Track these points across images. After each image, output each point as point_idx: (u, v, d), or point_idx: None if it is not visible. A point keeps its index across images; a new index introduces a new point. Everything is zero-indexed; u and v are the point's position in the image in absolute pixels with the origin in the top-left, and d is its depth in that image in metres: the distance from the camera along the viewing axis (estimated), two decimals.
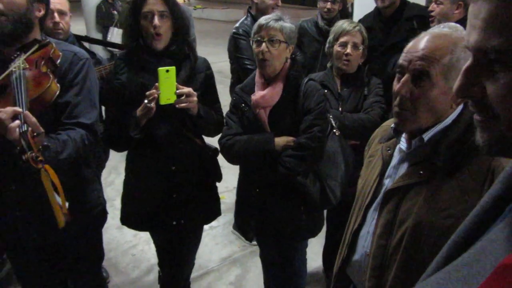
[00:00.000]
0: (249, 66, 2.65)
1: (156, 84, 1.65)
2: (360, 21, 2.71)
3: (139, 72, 1.81)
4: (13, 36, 1.52)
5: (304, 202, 1.95)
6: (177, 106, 1.71)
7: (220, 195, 2.22)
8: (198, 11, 19.41)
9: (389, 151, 1.29)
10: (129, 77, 1.82)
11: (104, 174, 3.92)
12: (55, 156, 1.46)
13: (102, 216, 1.95)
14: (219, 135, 2.02)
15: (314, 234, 2.11)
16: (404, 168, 1.22)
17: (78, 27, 7.51)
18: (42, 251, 1.85)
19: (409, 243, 1.14)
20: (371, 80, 2.37)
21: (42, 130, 1.35)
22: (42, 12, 1.60)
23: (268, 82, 1.91)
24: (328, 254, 2.75)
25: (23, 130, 1.29)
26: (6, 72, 1.41)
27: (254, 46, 1.86)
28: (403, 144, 1.24)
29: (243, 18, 2.87)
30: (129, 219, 2.05)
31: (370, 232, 1.28)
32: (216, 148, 2.05)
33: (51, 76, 1.47)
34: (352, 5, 4.49)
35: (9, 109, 1.31)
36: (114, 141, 1.88)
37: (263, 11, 2.76)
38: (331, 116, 2.05)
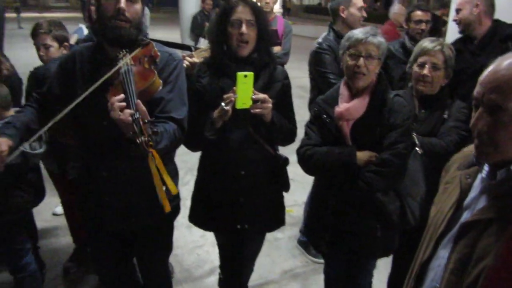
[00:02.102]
0: (332, 81, 2.63)
1: (234, 88, 1.71)
2: (452, 44, 2.57)
3: (220, 77, 1.89)
4: (133, 41, 1.66)
5: (381, 220, 1.90)
6: (252, 111, 1.75)
7: (288, 208, 2.22)
8: None
9: (469, 180, 1.18)
10: (210, 81, 1.91)
11: (181, 174, 4.11)
12: (155, 145, 1.54)
13: (176, 209, 2.02)
14: (291, 145, 2.03)
15: (387, 253, 2.05)
16: (485, 200, 1.11)
17: (174, 36, 8.05)
18: (119, 237, 1.96)
19: (485, 284, 1.03)
20: (454, 103, 2.23)
21: (149, 118, 1.45)
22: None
23: (353, 94, 1.90)
24: (394, 281, 2.60)
25: (136, 117, 1.39)
26: (116, 68, 1.55)
27: (347, 59, 1.87)
28: (486, 173, 1.12)
29: (325, 34, 2.87)
30: (196, 218, 2.12)
31: (442, 265, 1.17)
32: (286, 158, 2.06)
33: (155, 72, 1.59)
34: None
35: (118, 98, 1.44)
36: (190, 139, 1.95)
37: (351, 25, 2.73)
38: (414, 134, 1.99)
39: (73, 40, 3.66)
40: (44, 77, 2.25)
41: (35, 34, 2.57)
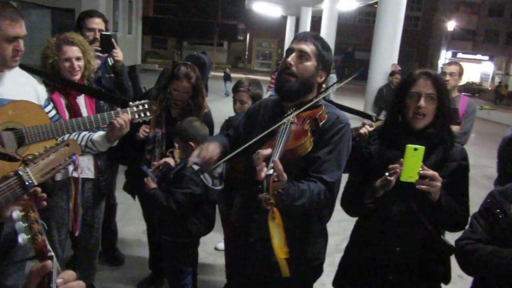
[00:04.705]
0: None
1: (401, 159, 1.67)
2: None
3: (389, 146, 1.87)
4: (297, 94, 1.82)
5: None
6: (417, 186, 1.67)
7: None
8: (484, 111, 18.15)
9: None
10: (378, 149, 1.90)
11: (337, 240, 4.07)
12: (291, 201, 1.61)
13: (317, 270, 2.01)
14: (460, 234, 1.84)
15: None
16: None
17: (357, 106, 8.22)
18: (260, 283, 2.00)
19: None
20: None
21: (285, 178, 1.50)
22: (323, 79, 1.86)
23: None
24: None
25: (269, 173, 1.46)
26: (278, 124, 1.71)
27: None
28: None
29: None
30: (340, 284, 2.07)
31: None
32: (451, 246, 1.87)
33: (309, 134, 1.66)
34: None
35: (266, 152, 1.54)
36: (348, 204, 1.97)
37: None
38: None
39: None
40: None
41: (236, 90, 2.99)
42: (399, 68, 7.51)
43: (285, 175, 1.50)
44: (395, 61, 7.89)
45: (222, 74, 18.26)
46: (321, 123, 1.74)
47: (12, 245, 1.94)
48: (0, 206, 1.32)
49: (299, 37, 1.85)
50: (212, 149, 1.82)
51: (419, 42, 37.15)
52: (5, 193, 1.34)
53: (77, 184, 2.31)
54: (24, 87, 1.98)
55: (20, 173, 1.40)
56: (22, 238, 0.97)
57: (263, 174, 1.47)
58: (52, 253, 0.90)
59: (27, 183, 1.40)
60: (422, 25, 38.75)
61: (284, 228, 1.56)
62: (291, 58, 1.78)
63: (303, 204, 1.65)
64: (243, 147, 1.75)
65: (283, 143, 1.59)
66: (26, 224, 0.98)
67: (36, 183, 1.43)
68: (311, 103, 1.77)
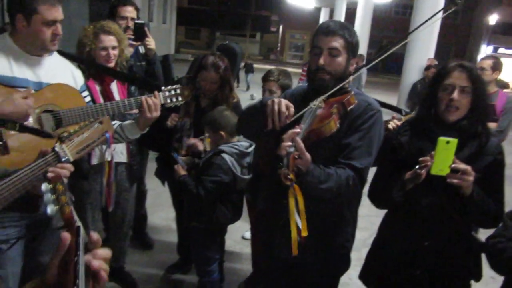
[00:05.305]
0: None
1: (432, 152, 1.64)
2: None
3: (420, 138, 1.84)
4: (327, 89, 1.79)
5: None
6: (448, 180, 1.63)
7: None
8: None
9: None
10: (409, 141, 1.86)
11: (366, 235, 4.03)
12: (317, 184, 1.61)
13: (345, 260, 2.00)
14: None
15: None
16: None
17: (389, 101, 8.06)
18: (287, 270, 2.03)
19: None
20: None
21: (307, 156, 1.53)
22: (354, 66, 1.85)
23: None
24: None
25: (290, 151, 1.50)
26: (306, 109, 1.71)
27: None
28: None
29: None
30: (367, 277, 2.06)
31: None
32: (483, 244, 1.83)
33: (333, 116, 1.64)
34: None
35: (290, 132, 1.57)
36: (377, 196, 1.95)
37: None
38: None
39: None
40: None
41: (266, 79, 2.99)
42: (436, 62, 7.30)
43: (307, 154, 1.53)
44: (432, 55, 7.66)
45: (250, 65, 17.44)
46: (349, 108, 1.73)
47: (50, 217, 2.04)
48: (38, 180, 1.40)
49: (324, 31, 1.77)
50: (285, 102, 1.68)
51: (458, 36, 35.87)
52: (43, 168, 1.41)
53: (111, 162, 2.36)
54: (62, 71, 2.05)
55: (57, 149, 1.47)
56: (50, 208, 1.01)
57: (284, 151, 1.50)
58: (80, 223, 0.92)
59: (63, 159, 1.46)
60: (461, 19, 37.41)
61: (314, 213, 1.57)
62: (323, 59, 1.75)
63: (330, 188, 1.65)
64: (270, 134, 1.72)
65: (307, 124, 1.61)
66: (54, 196, 1.02)
67: (71, 159, 1.50)
68: (336, 88, 1.75)
